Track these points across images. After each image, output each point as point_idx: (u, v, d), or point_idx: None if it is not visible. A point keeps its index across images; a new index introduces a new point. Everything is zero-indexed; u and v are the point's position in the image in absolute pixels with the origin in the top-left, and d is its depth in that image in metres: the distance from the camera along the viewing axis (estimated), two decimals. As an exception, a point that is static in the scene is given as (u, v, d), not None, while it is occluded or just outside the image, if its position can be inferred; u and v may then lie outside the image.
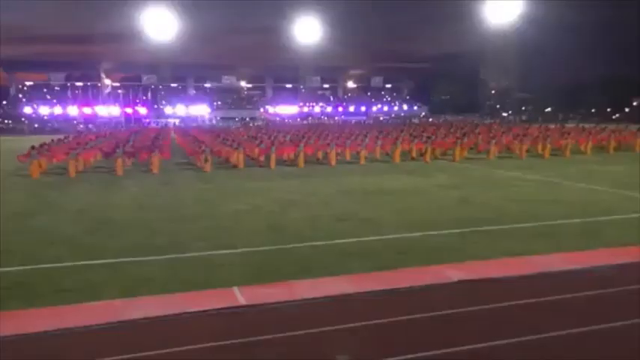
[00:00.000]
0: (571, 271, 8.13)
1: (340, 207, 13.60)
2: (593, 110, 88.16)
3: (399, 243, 9.85)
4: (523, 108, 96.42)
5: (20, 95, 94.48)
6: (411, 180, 18.79)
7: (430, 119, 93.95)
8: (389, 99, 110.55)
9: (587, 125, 43.09)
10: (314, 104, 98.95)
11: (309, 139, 28.95)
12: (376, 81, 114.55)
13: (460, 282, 7.65)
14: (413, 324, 6.26)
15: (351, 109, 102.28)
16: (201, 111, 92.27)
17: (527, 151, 27.49)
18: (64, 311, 6.69)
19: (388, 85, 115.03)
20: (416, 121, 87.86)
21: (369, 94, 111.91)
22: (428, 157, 25.73)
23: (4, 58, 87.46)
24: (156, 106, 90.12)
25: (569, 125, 48.15)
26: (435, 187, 17.01)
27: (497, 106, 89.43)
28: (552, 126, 44.62)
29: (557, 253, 9.06)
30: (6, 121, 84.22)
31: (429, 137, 28.65)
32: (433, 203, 14.03)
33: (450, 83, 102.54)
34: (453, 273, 7.98)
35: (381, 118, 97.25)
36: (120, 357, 5.47)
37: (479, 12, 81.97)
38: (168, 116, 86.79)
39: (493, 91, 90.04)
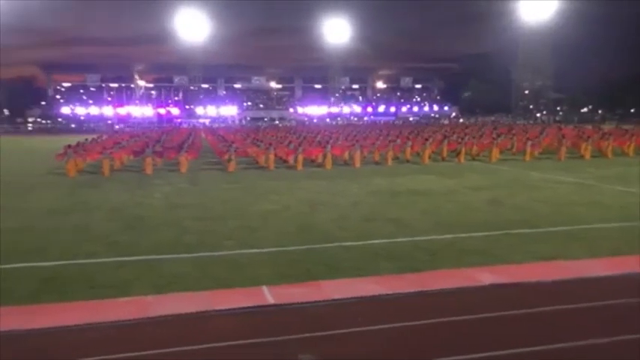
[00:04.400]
0: (607, 277, 7.86)
1: (368, 208, 13.52)
2: (632, 110, 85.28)
3: (429, 244, 9.71)
4: (558, 108, 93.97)
5: (58, 96, 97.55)
6: (440, 181, 18.54)
7: (461, 120, 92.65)
8: (419, 99, 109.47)
9: (625, 126, 41.62)
10: (343, 105, 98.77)
11: (336, 140, 28.86)
12: (405, 81, 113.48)
13: (492, 285, 7.49)
14: (444, 326, 6.15)
15: (381, 109, 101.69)
16: (231, 111, 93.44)
17: (567, 152, 26.70)
18: (96, 306, 6.83)
19: (418, 86, 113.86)
20: (446, 121, 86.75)
21: (398, 94, 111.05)
22: (462, 157, 25.34)
23: (43, 60, 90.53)
24: (187, 107, 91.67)
25: (606, 127, 46.60)
26: (465, 188, 16.72)
27: (531, 106, 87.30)
28: (589, 127, 43.26)
29: (592, 258, 8.78)
30: (44, 121, 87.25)
31: (462, 138, 28.20)
32: (464, 205, 13.80)
33: (480, 83, 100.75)
34: (484, 276, 7.82)
35: (411, 119, 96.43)
36: (147, 352, 5.55)
37: (512, 10, 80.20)
38: (199, 116, 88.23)
39: (527, 91, 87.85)
